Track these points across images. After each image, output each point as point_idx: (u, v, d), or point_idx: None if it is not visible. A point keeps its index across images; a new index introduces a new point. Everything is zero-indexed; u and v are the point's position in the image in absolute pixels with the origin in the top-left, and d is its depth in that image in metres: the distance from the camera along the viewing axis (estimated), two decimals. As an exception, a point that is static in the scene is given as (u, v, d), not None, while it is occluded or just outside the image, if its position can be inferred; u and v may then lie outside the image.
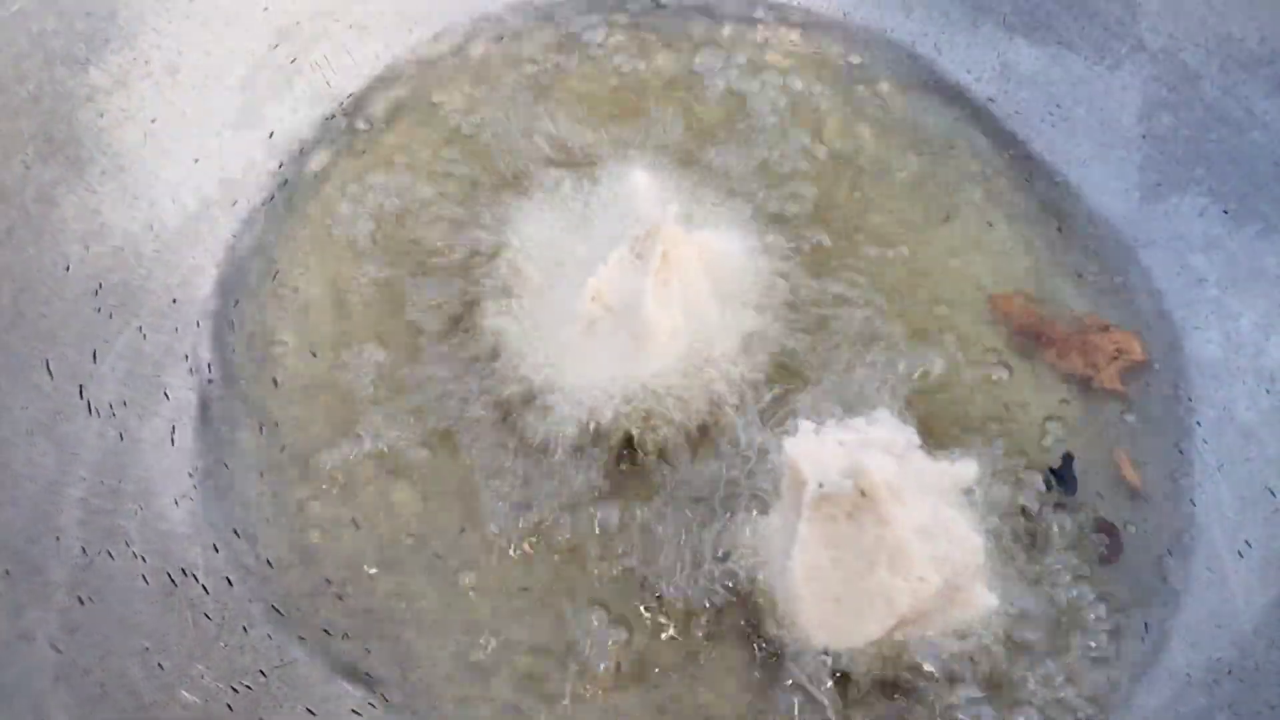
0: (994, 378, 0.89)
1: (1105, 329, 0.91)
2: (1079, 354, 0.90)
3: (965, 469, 0.79)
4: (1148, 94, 0.99)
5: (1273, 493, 0.83)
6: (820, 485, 0.73)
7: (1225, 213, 0.94)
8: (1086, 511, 0.83)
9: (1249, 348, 0.89)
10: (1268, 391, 0.87)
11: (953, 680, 0.75)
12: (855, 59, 1.08)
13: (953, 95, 1.05)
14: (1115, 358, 0.89)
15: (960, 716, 0.75)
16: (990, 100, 1.04)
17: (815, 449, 0.75)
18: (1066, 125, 1.02)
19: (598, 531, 0.81)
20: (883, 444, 0.76)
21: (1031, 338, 0.91)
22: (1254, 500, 0.83)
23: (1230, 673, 0.76)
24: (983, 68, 1.05)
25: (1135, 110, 1.00)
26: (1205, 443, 0.87)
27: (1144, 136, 0.99)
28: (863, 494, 0.72)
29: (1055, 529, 0.82)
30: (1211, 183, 0.95)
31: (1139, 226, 0.97)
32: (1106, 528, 0.83)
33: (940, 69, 1.07)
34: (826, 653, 0.75)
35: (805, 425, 0.77)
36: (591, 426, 0.83)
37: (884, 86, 1.06)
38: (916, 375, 0.88)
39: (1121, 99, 1.00)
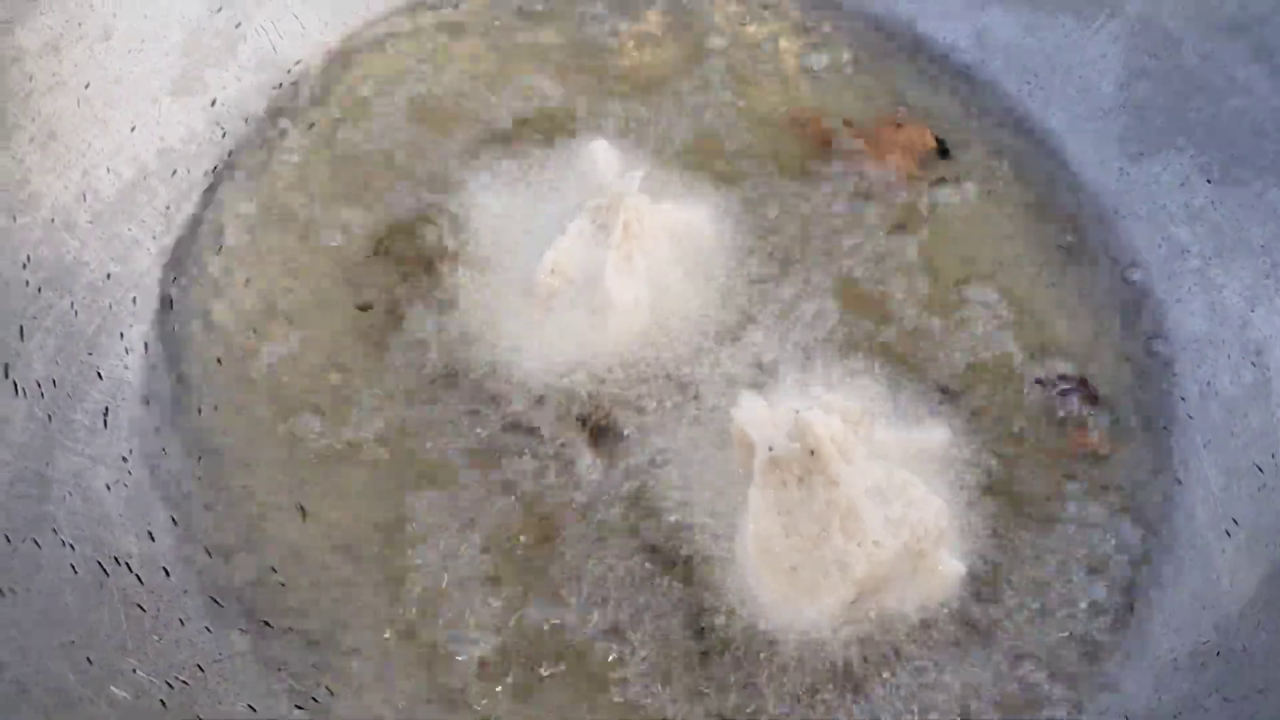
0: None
1: (898, 126, 0.96)
2: (877, 151, 0.95)
3: (933, 436, 0.77)
4: (1127, 61, 0.97)
5: (1260, 469, 0.80)
6: (770, 450, 0.71)
7: (1208, 182, 0.91)
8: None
9: (1234, 320, 0.87)
10: (1253, 365, 0.85)
11: (921, 664, 0.73)
12: (827, 25, 1.04)
13: (928, 63, 1.02)
14: (909, 149, 0.95)
15: (929, 703, 0.72)
16: (966, 68, 1.01)
17: (763, 415, 0.73)
18: (1044, 94, 0.99)
19: (556, 515, 0.77)
20: (838, 409, 0.74)
21: (825, 144, 0.95)
22: (1240, 477, 0.81)
23: (1218, 655, 0.74)
24: (959, 35, 1.03)
25: (1115, 78, 0.97)
26: (1190, 419, 0.85)
27: (1124, 105, 0.96)
28: (811, 454, 0.71)
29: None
30: (1193, 151, 0.92)
31: (1120, 197, 0.95)
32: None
33: (916, 36, 1.03)
34: (781, 634, 0.72)
35: (750, 394, 0.75)
36: (550, 403, 0.80)
37: (857, 54, 1.02)
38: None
39: (1100, 66, 0.98)
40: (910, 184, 0.94)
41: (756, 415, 0.73)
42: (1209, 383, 0.86)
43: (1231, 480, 0.81)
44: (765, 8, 1.05)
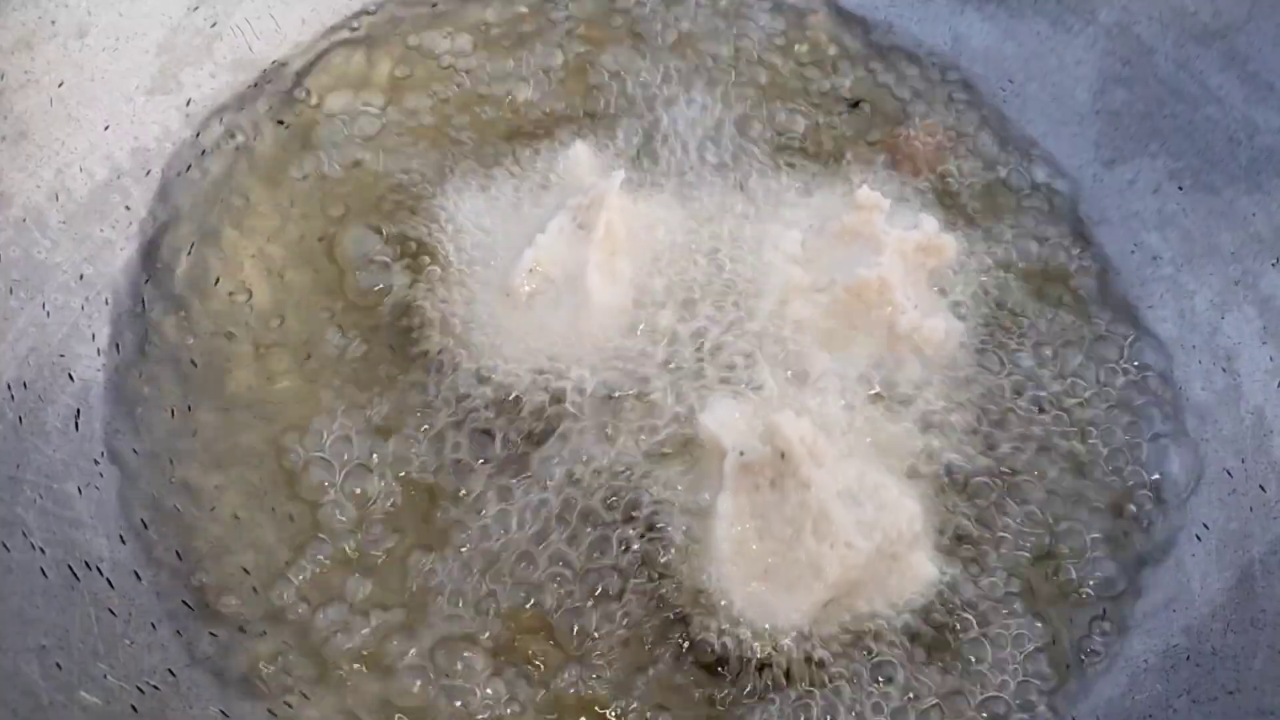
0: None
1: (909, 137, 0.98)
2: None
3: (909, 437, 0.77)
4: (1102, 68, 0.98)
5: (1229, 473, 0.81)
6: (741, 453, 0.72)
7: (1180, 189, 0.92)
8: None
9: (1204, 327, 0.88)
10: (1223, 370, 0.86)
11: (894, 665, 0.73)
12: (805, 33, 1.05)
13: (906, 69, 1.02)
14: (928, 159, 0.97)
15: (904, 706, 0.72)
16: (943, 74, 1.02)
17: (733, 418, 0.74)
18: (1020, 100, 1.00)
19: (533, 517, 0.77)
20: (813, 408, 0.74)
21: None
22: (1211, 482, 0.82)
23: (1188, 658, 0.75)
24: (935, 41, 1.03)
25: (1089, 85, 0.98)
26: (1161, 423, 0.85)
27: (1098, 112, 0.97)
28: (782, 457, 0.71)
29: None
30: (1166, 158, 0.93)
31: (1093, 203, 0.95)
32: None
33: (893, 42, 1.04)
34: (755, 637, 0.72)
35: (719, 397, 0.76)
36: (528, 403, 0.80)
37: (835, 59, 1.02)
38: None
39: (1075, 73, 0.99)
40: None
41: (726, 419, 0.74)
42: (1180, 388, 0.86)
43: (1202, 484, 0.82)
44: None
